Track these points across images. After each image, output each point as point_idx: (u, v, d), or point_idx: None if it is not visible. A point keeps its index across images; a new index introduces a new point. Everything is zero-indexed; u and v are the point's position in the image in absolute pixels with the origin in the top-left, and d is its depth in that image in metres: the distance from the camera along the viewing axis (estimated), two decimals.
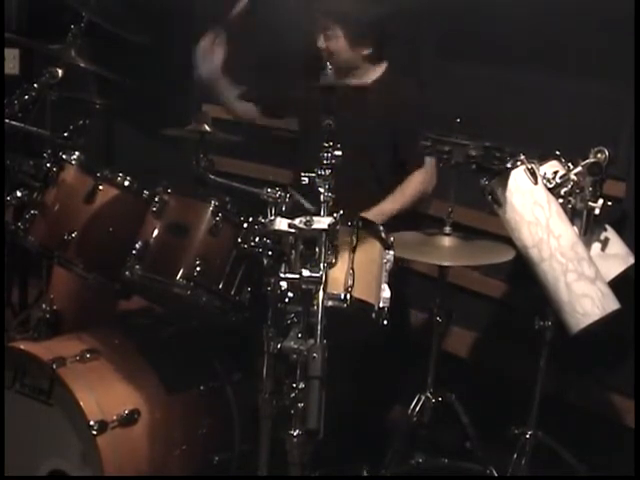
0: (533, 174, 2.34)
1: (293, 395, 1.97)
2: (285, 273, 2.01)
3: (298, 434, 1.97)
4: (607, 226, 2.51)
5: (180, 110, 3.77)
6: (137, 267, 2.36)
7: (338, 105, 2.16)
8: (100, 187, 2.57)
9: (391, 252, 2.28)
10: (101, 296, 2.79)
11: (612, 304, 2.30)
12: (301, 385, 1.94)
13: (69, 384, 2.33)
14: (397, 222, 2.77)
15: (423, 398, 2.72)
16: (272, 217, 2.06)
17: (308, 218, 1.97)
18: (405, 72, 3.01)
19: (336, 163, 2.08)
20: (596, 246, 2.48)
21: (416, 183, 2.92)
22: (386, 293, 2.24)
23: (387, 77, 2.92)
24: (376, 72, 2.93)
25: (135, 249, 2.38)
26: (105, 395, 2.38)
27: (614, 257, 2.50)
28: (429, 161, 2.92)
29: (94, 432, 2.29)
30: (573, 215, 2.38)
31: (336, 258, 2.07)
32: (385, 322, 2.24)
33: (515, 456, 2.57)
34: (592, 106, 2.83)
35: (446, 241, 2.64)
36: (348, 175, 2.09)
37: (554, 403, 2.72)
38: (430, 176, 2.93)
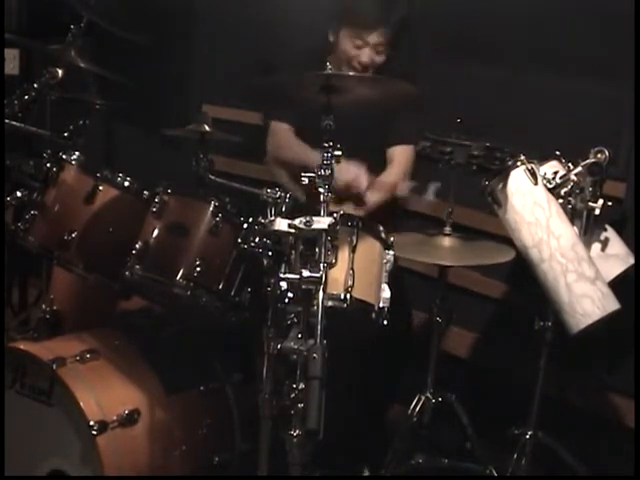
0: (533, 174, 2.34)
1: (293, 395, 1.97)
2: (285, 273, 2.01)
3: (298, 434, 1.97)
4: (607, 226, 2.51)
5: (180, 110, 3.79)
6: (137, 267, 2.36)
7: (338, 97, 2.17)
8: (100, 187, 2.57)
9: (391, 252, 2.28)
10: (101, 296, 2.79)
11: (612, 304, 2.30)
12: (301, 385, 1.94)
13: (69, 384, 2.33)
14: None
15: (423, 398, 2.72)
16: (272, 217, 2.06)
17: (308, 218, 1.97)
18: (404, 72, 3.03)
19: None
20: (596, 246, 2.48)
21: (389, 177, 2.96)
22: (386, 293, 2.24)
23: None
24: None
25: (135, 249, 2.38)
26: (105, 395, 2.38)
27: (614, 257, 2.50)
28: (405, 152, 3.00)
29: (94, 432, 2.29)
30: (573, 215, 2.38)
31: (336, 258, 2.07)
32: (385, 322, 2.24)
33: (515, 456, 2.57)
34: (592, 106, 2.83)
35: (446, 241, 2.64)
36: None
37: (554, 403, 2.72)
38: (403, 169, 2.99)
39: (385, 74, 2.87)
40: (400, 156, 3.01)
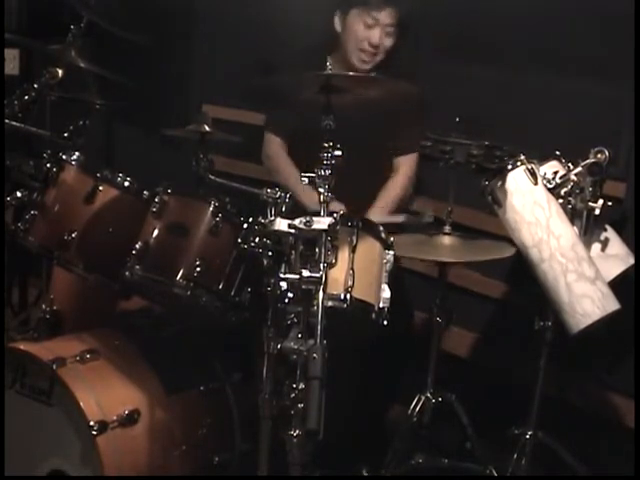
0: (533, 174, 2.34)
1: (293, 395, 1.97)
2: (285, 273, 2.01)
3: (298, 434, 1.97)
4: (607, 226, 2.51)
5: (180, 110, 3.79)
6: (137, 267, 2.36)
7: (338, 97, 2.17)
8: (100, 187, 2.57)
9: (391, 252, 2.28)
10: (101, 296, 2.79)
11: (612, 304, 2.30)
12: (301, 385, 1.94)
13: (69, 384, 2.33)
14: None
15: (423, 398, 2.72)
16: (272, 217, 2.06)
17: (308, 218, 1.97)
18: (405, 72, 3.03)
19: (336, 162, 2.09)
20: (596, 246, 2.48)
21: (396, 188, 3.02)
22: (386, 293, 2.24)
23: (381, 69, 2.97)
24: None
25: (135, 249, 2.38)
26: (105, 395, 2.38)
27: (614, 257, 2.50)
28: (409, 163, 3.03)
29: (94, 432, 2.29)
30: (573, 215, 2.38)
31: (336, 258, 2.07)
32: (385, 322, 2.24)
33: (515, 456, 2.57)
34: (592, 106, 2.83)
35: (446, 240, 2.64)
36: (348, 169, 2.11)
37: (554, 403, 2.72)
38: (409, 179, 3.04)
39: (385, 74, 2.88)
40: (405, 166, 3.04)
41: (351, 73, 2.77)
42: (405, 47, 3.01)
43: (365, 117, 2.65)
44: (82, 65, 2.89)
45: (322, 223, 1.97)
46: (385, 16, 2.86)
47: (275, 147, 3.08)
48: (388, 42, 2.90)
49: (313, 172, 2.08)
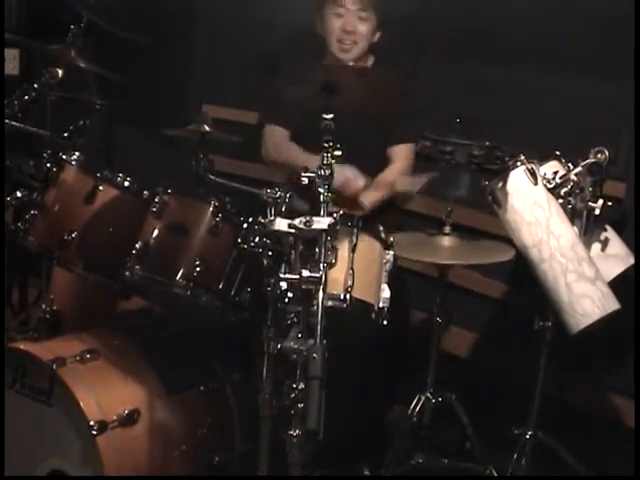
0: (533, 174, 2.34)
1: (293, 395, 1.97)
2: (285, 273, 2.01)
3: (298, 434, 1.97)
4: (607, 226, 2.51)
5: (180, 110, 3.79)
6: (137, 267, 2.36)
7: (338, 87, 2.17)
8: (100, 187, 2.57)
9: (391, 252, 2.28)
10: (101, 296, 2.79)
11: (612, 304, 2.30)
12: (301, 385, 1.94)
13: (69, 384, 2.33)
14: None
15: (423, 398, 2.72)
16: (272, 217, 2.06)
17: (308, 218, 1.97)
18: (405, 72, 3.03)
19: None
20: (596, 246, 2.48)
21: (394, 173, 2.97)
22: (386, 293, 2.24)
23: (378, 65, 2.99)
24: (369, 60, 3.01)
25: (135, 249, 2.38)
26: (105, 395, 2.38)
27: (614, 257, 2.50)
28: (406, 151, 2.99)
29: (94, 432, 2.29)
30: (573, 215, 2.38)
31: (336, 258, 2.07)
32: (385, 322, 2.24)
33: (515, 456, 2.57)
34: (592, 106, 2.83)
35: (446, 241, 2.64)
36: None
37: (554, 403, 2.72)
38: (405, 168, 2.99)
39: (384, 72, 2.89)
40: (400, 155, 3.01)
41: (350, 63, 2.78)
42: (403, 43, 3.02)
43: (364, 117, 2.66)
44: (82, 65, 2.89)
45: (322, 223, 1.97)
46: (352, 2, 2.90)
47: (277, 135, 3.05)
48: (363, 28, 2.92)
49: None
